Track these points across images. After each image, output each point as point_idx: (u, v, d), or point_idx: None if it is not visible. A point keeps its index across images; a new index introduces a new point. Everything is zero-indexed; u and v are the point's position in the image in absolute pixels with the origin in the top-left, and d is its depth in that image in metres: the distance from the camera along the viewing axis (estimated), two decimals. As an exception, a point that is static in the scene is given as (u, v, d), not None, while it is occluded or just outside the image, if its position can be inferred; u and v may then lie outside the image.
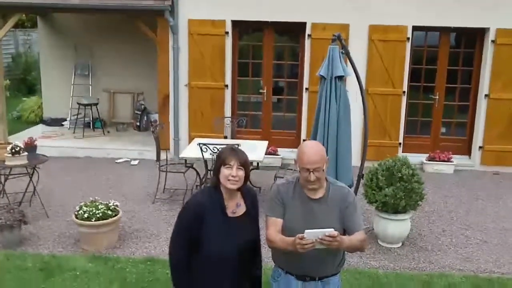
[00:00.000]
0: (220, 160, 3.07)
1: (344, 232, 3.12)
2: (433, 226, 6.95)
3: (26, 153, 6.65)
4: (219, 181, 3.08)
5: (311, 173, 3.04)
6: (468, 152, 9.82)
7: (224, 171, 3.04)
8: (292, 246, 2.93)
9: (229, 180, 3.03)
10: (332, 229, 2.87)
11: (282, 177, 7.45)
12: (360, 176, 6.58)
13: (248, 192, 3.25)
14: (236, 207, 3.15)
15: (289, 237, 3.00)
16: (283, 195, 3.19)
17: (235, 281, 3.13)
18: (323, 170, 3.08)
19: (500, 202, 7.95)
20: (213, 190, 3.13)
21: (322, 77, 6.08)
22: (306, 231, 2.86)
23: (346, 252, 3.33)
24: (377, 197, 6.05)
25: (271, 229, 3.17)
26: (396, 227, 6.15)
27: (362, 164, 6.65)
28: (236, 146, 3.26)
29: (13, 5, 9.32)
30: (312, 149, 3.12)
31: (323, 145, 5.92)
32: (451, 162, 9.38)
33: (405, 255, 6.07)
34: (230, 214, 3.11)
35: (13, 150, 6.49)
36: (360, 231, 3.12)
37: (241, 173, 3.05)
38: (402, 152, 9.51)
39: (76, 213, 5.96)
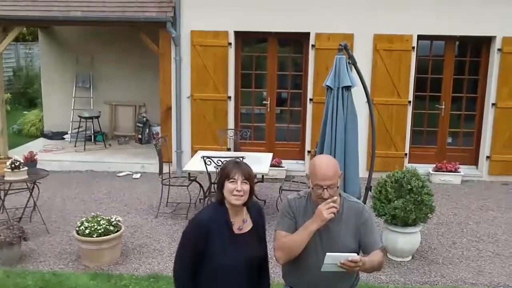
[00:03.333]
0: (224, 174, 2.94)
1: (359, 249, 2.97)
2: (443, 238, 6.78)
3: (26, 168, 6.51)
4: (224, 196, 2.95)
5: (325, 190, 2.87)
6: (475, 162, 9.67)
7: (229, 186, 2.90)
8: (313, 223, 2.83)
9: (233, 195, 2.89)
10: (355, 254, 2.71)
11: (287, 190, 7.31)
12: (368, 188, 6.43)
13: (253, 207, 3.10)
14: (242, 223, 3.01)
15: (305, 223, 2.90)
16: (294, 209, 3.03)
17: None
18: (337, 186, 2.91)
19: (510, 212, 7.78)
20: (218, 206, 2.99)
21: (328, 88, 5.94)
22: (327, 254, 2.70)
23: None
24: (386, 210, 5.90)
25: (280, 240, 3.01)
26: (406, 240, 5.99)
27: (370, 176, 6.50)
28: (240, 159, 3.12)
29: (14, 18, 9.25)
30: (326, 163, 2.94)
31: (330, 155, 5.80)
32: (458, 172, 9.23)
33: (416, 269, 5.91)
34: (236, 231, 2.97)
35: (13, 165, 6.35)
36: (377, 250, 2.95)
37: (246, 187, 2.91)
38: (408, 162, 9.37)
39: (77, 229, 5.81)
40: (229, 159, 3.15)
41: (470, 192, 8.73)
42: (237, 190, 2.89)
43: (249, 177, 2.94)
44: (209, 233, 2.90)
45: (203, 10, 9.25)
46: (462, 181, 9.19)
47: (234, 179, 2.89)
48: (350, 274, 2.95)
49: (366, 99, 6.43)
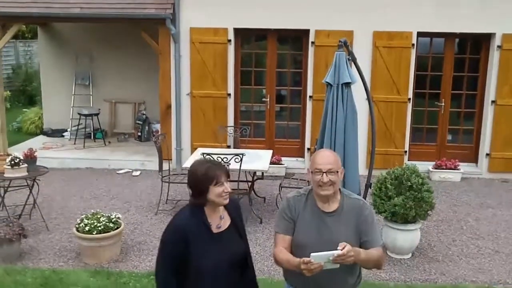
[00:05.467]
0: (209, 180, 2.85)
1: (360, 247, 2.93)
2: (442, 236, 6.78)
3: (25, 165, 6.49)
4: (206, 200, 2.89)
5: (324, 174, 2.87)
6: (475, 159, 9.66)
7: (216, 190, 2.86)
8: (298, 268, 2.75)
9: (223, 196, 2.89)
10: (339, 250, 2.67)
11: (287, 187, 7.31)
12: (368, 185, 6.42)
13: (230, 202, 3.04)
14: (220, 220, 2.98)
15: (295, 259, 2.83)
16: (293, 209, 3.01)
17: None
18: (337, 172, 2.91)
19: (510, 210, 7.78)
20: (195, 209, 2.93)
21: (328, 84, 5.93)
22: (312, 254, 2.69)
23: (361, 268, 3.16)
24: (386, 207, 5.90)
25: (279, 247, 2.99)
26: (405, 237, 5.99)
27: (369, 173, 6.49)
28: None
29: (13, 15, 9.23)
30: (327, 151, 3.05)
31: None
32: (458, 170, 9.22)
33: (416, 266, 5.91)
34: (215, 230, 2.93)
35: (13, 162, 6.34)
36: (377, 248, 2.94)
37: (229, 184, 2.93)
38: (408, 160, 9.36)
39: (77, 226, 5.81)
40: (199, 160, 3.07)
41: (470, 190, 8.72)
42: (225, 192, 2.88)
43: (229, 174, 2.96)
44: (188, 237, 2.85)
45: (203, 7, 9.23)
46: (462, 179, 9.18)
47: (221, 182, 2.87)
48: (350, 270, 2.94)
49: (366, 96, 6.42)
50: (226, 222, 3.00)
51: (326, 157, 2.94)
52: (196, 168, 2.92)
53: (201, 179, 2.87)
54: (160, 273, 2.94)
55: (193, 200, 2.92)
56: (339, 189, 3.02)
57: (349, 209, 2.98)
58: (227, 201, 2.91)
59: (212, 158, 2.95)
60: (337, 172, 2.91)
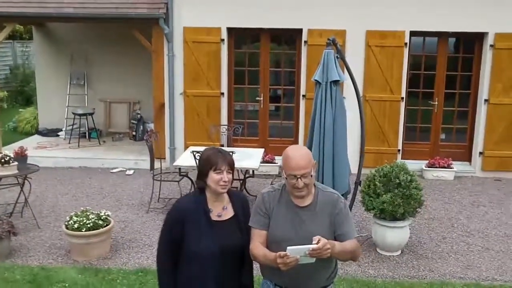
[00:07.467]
0: (209, 164, 2.97)
1: (335, 239, 2.93)
2: (433, 233, 6.79)
3: (16, 163, 6.50)
4: (206, 184, 3.00)
5: (299, 179, 2.85)
6: (468, 158, 9.67)
7: (215, 176, 2.95)
8: (274, 263, 2.75)
9: (220, 185, 2.96)
10: (315, 244, 2.68)
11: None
12: (358, 183, 6.44)
13: (237, 197, 3.16)
14: (222, 210, 3.05)
15: (271, 253, 2.84)
16: (268, 204, 3.01)
17: (220, 286, 3.02)
18: (311, 175, 2.90)
19: (502, 208, 7.78)
20: (197, 194, 3.06)
21: (317, 82, 5.96)
22: (288, 248, 2.69)
23: (340, 262, 3.16)
24: (375, 204, 5.91)
25: (254, 241, 2.99)
26: (394, 234, 6.00)
27: (359, 171, 6.51)
28: (231, 153, 3.13)
29: (6, 15, 9.25)
30: (298, 153, 2.92)
31: (319, 150, 5.82)
32: (451, 168, 9.22)
33: (405, 263, 5.92)
34: (214, 218, 3.02)
35: (2, 160, 6.35)
36: (352, 240, 2.94)
37: (230, 176, 2.99)
38: (402, 158, 9.37)
39: (66, 223, 5.82)
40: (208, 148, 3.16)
41: (463, 188, 8.73)
42: (223, 181, 2.94)
43: (233, 166, 3.02)
44: (185, 219, 2.97)
45: (196, 6, 9.25)
46: (455, 177, 9.19)
47: (221, 170, 2.94)
48: (326, 264, 2.94)
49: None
50: (228, 213, 3.06)
51: (299, 161, 2.85)
52: (204, 152, 3.07)
53: (203, 162, 3.00)
54: (159, 252, 3.11)
55: (196, 181, 3.06)
56: (314, 183, 3.01)
57: (323, 203, 2.98)
58: (223, 191, 2.97)
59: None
60: (311, 175, 2.90)
